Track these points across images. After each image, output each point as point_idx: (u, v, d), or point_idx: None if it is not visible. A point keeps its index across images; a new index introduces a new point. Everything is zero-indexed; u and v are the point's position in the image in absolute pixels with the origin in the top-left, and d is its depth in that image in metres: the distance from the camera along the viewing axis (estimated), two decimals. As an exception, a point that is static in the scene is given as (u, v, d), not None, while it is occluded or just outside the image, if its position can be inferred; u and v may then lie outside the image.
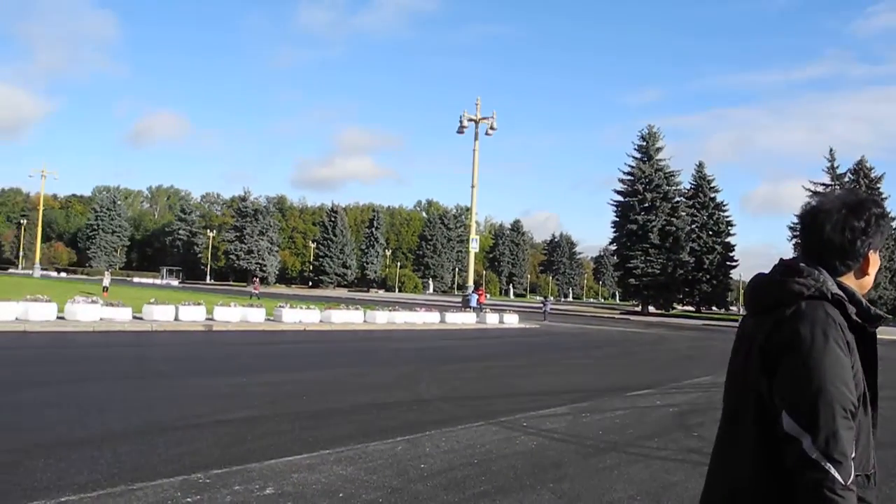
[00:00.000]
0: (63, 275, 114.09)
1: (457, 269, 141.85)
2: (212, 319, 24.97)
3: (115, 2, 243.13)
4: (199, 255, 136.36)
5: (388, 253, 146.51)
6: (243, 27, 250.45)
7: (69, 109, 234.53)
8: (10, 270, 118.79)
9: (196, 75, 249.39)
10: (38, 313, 20.83)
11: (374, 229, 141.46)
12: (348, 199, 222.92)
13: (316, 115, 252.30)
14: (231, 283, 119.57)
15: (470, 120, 41.92)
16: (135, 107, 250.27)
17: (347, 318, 29.39)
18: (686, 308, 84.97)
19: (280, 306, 28.07)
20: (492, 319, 37.42)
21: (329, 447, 7.35)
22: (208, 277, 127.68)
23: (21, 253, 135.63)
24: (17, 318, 20.31)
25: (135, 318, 23.34)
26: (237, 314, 26.09)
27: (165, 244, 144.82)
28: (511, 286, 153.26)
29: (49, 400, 9.56)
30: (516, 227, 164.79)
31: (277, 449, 7.19)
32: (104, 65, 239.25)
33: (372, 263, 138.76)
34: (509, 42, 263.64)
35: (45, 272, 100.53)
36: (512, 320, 38.32)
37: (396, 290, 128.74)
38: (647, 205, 75.01)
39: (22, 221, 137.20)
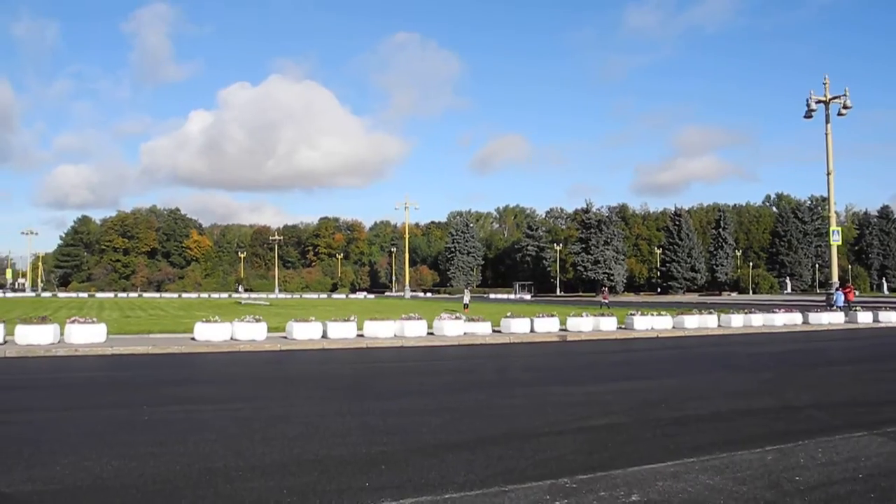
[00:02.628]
0: (429, 295, 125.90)
1: (816, 266, 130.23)
2: (565, 330, 25.67)
3: (457, 41, 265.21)
4: (548, 269, 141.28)
5: (739, 253, 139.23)
6: (573, 40, 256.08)
7: (423, 145, 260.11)
8: (386, 293, 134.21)
9: (530, 96, 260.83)
10: (411, 330, 23.23)
11: (721, 230, 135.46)
12: (691, 201, 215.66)
13: (652, 119, 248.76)
14: (580, 293, 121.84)
15: (818, 102, 38.23)
16: (478, 135, 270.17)
17: (700, 322, 28.37)
18: None
19: (631, 314, 27.97)
20: (864, 318, 33.65)
21: (693, 455, 7.13)
22: (558, 290, 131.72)
23: (393, 277, 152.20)
24: (395, 335, 22.82)
25: (494, 331, 24.86)
26: (589, 324, 26.50)
27: (516, 260, 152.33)
28: (884, 280, 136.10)
29: (428, 407, 10.53)
30: (885, 213, 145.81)
31: (640, 456, 7.14)
32: (449, 100, 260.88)
33: (722, 265, 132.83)
34: (854, 9, 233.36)
35: (413, 293, 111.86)
36: (889, 318, 34.07)
37: (750, 291, 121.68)
38: None
39: (392, 249, 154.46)
